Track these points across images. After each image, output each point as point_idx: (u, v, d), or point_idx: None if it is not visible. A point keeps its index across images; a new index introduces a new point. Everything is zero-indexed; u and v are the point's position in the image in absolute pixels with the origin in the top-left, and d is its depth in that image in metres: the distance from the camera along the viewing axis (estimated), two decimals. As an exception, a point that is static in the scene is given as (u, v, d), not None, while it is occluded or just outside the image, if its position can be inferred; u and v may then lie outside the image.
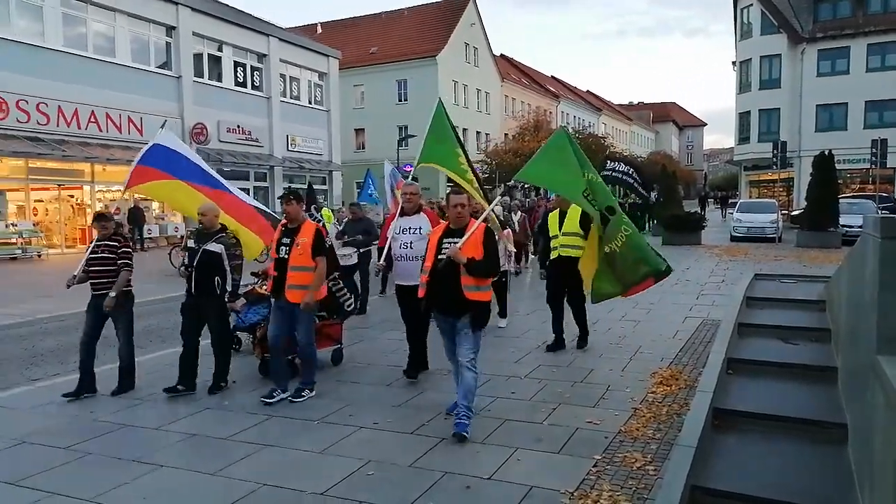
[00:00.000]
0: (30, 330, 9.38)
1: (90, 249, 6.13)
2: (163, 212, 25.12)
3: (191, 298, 5.99)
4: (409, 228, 6.25)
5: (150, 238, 23.29)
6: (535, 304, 9.76)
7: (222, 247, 5.93)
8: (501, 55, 58.52)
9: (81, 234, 22.72)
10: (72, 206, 23.38)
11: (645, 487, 3.87)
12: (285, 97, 31.40)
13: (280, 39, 30.84)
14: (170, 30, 25.33)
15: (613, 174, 21.20)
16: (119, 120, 22.78)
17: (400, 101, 44.99)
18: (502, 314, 8.77)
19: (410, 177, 7.77)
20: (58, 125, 20.79)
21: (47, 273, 16.38)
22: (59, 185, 22.48)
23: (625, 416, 5.14)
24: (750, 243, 21.45)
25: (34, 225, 21.17)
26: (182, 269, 6.01)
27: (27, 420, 5.39)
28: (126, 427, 5.24)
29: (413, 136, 31.43)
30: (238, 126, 28.12)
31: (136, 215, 22.70)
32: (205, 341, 6.19)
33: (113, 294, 5.82)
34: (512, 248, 8.99)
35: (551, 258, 7.34)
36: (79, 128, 21.45)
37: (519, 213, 15.45)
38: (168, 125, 7.51)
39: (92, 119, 21.87)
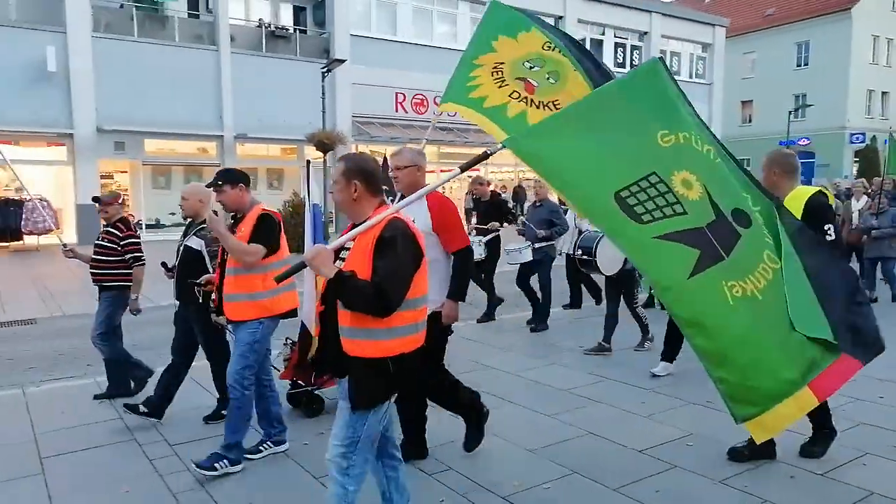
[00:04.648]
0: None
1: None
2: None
3: (179, 307, 4.78)
4: None
5: (530, 214, 25.76)
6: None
7: (202, 242, 4.63)
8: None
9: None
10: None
11: None
12: (665, 73, 30.84)
13: (663, 14, 30.33)
14: (557, 20, 27.18)
15: None
16: (509, 108, 25.64)
17: (798, 66, 39.81)
18: (666, 356, 5.77)
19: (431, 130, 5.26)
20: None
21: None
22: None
23: None
24: None
25: (442, 201, 25.49)
26: (165, 271, 4.91)
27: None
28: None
29: (810, 105, 27.69)
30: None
31: (519, 193, 25.35)
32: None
33: (134, 297, 5.17)
34: None
35: None
36: (477, 117, 24.88)
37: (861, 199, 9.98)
38: None
39: (487, 109, 25.13)
